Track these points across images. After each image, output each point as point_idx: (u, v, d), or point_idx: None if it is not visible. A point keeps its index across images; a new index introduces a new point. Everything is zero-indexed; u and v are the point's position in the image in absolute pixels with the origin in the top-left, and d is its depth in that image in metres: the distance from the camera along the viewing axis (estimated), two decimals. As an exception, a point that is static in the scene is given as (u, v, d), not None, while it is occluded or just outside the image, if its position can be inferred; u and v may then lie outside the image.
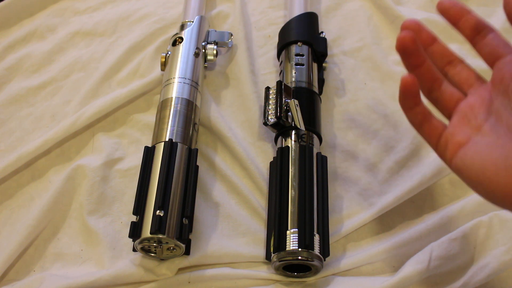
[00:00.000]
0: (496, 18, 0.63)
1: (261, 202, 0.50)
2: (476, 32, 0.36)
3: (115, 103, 0.57)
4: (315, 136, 0.50)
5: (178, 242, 0.43)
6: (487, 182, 0.30)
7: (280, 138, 0.51)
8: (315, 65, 0.56)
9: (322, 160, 0.49)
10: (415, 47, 0.37)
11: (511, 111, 0.31)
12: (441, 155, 0.35)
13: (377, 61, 0.61)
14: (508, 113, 0.32)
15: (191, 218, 0.45)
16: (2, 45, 0.67)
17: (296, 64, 0.55)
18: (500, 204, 0.31)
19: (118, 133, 0.57)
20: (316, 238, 0.43)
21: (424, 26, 0.38)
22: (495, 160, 0.30)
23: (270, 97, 0.51)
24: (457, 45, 0.60)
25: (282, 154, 0.48)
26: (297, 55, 0.56)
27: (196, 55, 0.56)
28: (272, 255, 0.43)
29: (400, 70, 0.60)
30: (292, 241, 0.42)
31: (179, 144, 0.48)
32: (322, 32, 0.59)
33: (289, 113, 0.49)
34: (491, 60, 0.35)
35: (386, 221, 0.49)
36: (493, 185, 0.30)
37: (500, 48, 0.35)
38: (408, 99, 0.37)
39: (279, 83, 0.51)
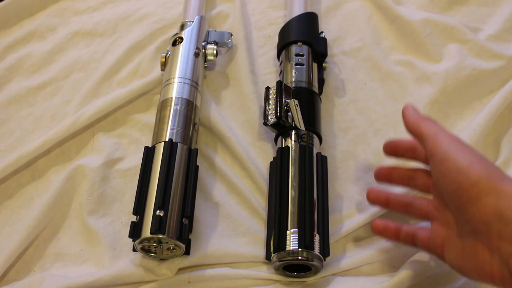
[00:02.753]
0: (496, 18, 0.63)
1: (261, 202, 0.50)
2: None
3: (115, 103, 0.57)
4: (315, 136, 0.50)
5: (178, 242, 0.43)
6: (463, 272, 0.35)
7: (280, 138, 0.51)
8: (315, 65, 0.56)
9: (322, 160, 0.49)
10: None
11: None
12: (439, 257, 0.38)
13: (377, 61, 0.61)
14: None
15: (191, 218, 0.45)
16: (2, 45, 0.67)
17: (296, 64, 0.55)
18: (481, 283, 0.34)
19: (118, 133, 0.57)
20: (316, 238, 0.43)
21: (383, 168, 0.44)
22: (460, 253, 0.35)
23: (270, 97, 0.51)
24: (457, 44, 0.60)
25: (282, 154, 0.48)
26: (297, 55, 0.56)
27: (196, 55, 0.56)
28: (272, 255, 0.43)
29: (400, 70, 0.60)
30: (292, 241, 0.42)
31: (179, 144, 0.48)
32: (322, 32, 0.59)
33: (289, 113, 0.49)
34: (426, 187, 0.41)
35: (386, 221, 0.48)
36: (467, 274, 0.35)
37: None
38: (388, 236, 0.42)
39: (279, 83, 0.51)
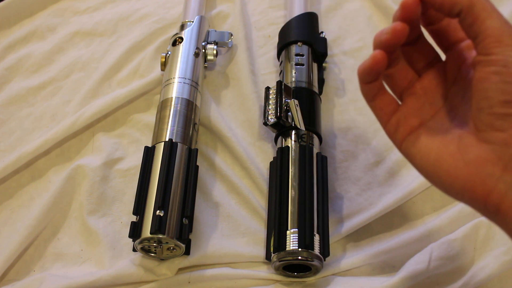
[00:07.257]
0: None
1: (261, 202, 0.50)
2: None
3: (115, 103, 0.57)
4: (315, 136, 0.50)
5: (178, 242, 0.43)
6: (444, 174, 0.30)
7: (280, 138, 0.51)
8: (315, 65, 0.56)
9: (322, 160, 0.49)
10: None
11: (466, 101, 0.30)
12: (390, 134, 0.34)
13: (377, 61, 0.61)
14: (464, 103, 0.30)
15: (191, 218, 0.45)
16: (2, 45, 0.67)
17: (296, 64, 0.55)
18: (457, 197, 0.30)
19: (118, 133, 0.57)
20: (316, 238, 0.43)
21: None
22: (453, 153, 0.29)
23: (270, 97, 0.51)
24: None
25: (282, 154, 0.48)
26: (297, 55, 0.56)
27: (196, 55, 0.56)
28: (272, 255, 0.43)
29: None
30: (292, 241, 0.42)
31: (179, 144, 0.48)
32: (322, 32, 0.59)
33: (289, 113, 0.49)
34: (445, 44, 0.33)
35: (386, 221, 0.48)
36: (451, 178, 0.29)
37: (458, 32, 0.32)
38: (371, 75, 0.33)
39: (279, 83, 0.51)
